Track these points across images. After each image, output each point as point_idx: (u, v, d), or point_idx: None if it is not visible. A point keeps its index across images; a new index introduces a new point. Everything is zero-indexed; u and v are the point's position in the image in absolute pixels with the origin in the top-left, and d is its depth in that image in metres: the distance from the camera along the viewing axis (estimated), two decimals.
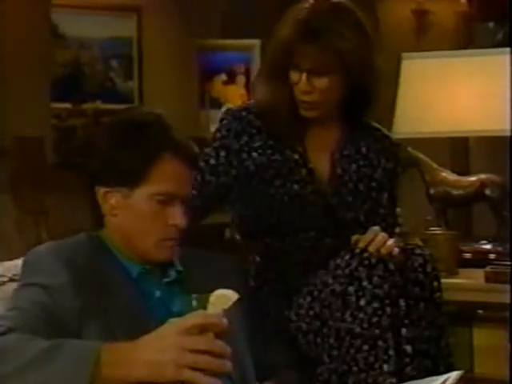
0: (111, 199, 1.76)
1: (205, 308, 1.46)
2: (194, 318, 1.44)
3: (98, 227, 1.82)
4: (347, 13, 2.22)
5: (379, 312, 1.99)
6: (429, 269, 2.08)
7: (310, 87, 2.20)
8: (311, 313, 2.12)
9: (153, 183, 1.74)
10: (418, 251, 2.10)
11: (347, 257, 2.07)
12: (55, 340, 1.51)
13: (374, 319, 1.99)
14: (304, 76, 2.20)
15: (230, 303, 1.46)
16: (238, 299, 1.47)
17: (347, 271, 2.04)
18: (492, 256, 3.03)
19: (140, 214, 1.75)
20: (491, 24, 5.30)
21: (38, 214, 5.32)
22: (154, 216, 1.75)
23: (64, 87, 5.86)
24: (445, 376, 1.62)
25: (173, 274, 1.80)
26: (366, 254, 2.03)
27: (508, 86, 3.08)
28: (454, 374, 1.62)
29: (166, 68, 6.13)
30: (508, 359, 2.48)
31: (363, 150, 2.33)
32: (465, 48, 4.30)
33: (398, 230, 2.34)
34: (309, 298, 2.14)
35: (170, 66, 6.14)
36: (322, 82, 2.20)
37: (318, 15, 2.19)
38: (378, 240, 2.05)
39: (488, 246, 3.16)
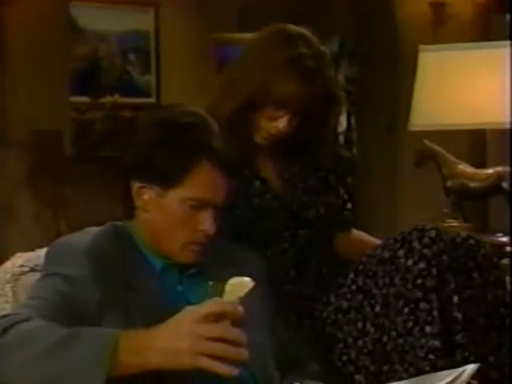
0: (144, 195, 1.76)
1: (221, 296, 1.47)
2: (209, 306, 1.44)
3: (125, 218, 1.82)
4: (328, 56, 2.15)
5: (424, 273, 1.95)
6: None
7: (289, 126, 2.10)
8: (353, 287, 2.07)
9: (188, 187, 1.73)
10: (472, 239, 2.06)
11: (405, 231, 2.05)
12: (74, 327, 1.52)
13: (419, 281, 1.95)
14: (288, 117, 2.09)
15: (246, 291, 1.46)
16: (257, 287, 1.47)
17: (399, 237, 2.02)
18: (508, 249, 3.04)
19: (171, 216, 1.74)
20: (508, 16, 5.28)
21: (57, 205, 5.36)
22: (185, 220, 1.74)
23: (82, 81, 5.88)
24: (460, 369, 1.61)
25: (194, 268, 1.79)
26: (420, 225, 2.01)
27: (509, 79, 3.07)
28: (470, 367, 1.61)
29: (184, 61, 6.15)
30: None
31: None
32: (482, 40, 4.29)
33: (349, 205, 2.30)
34: (352, 275, 2.09)
35: (187, 60, 6.16)
36: (296, 121, 2.11)
37: (314, 56, 2.08)
38: None
39: (504, 239, 3.16)
